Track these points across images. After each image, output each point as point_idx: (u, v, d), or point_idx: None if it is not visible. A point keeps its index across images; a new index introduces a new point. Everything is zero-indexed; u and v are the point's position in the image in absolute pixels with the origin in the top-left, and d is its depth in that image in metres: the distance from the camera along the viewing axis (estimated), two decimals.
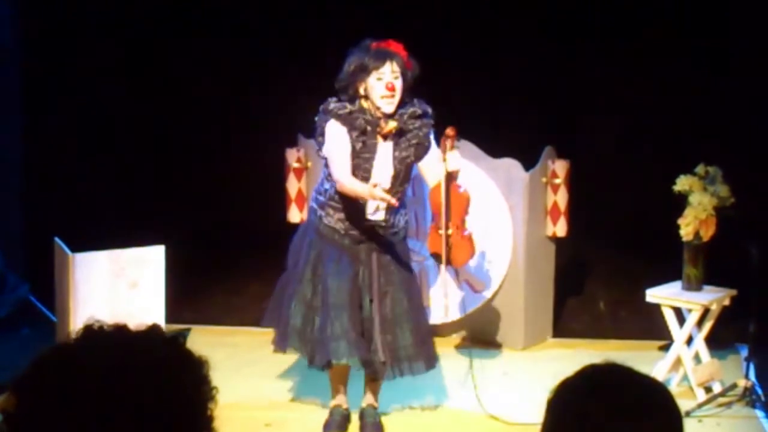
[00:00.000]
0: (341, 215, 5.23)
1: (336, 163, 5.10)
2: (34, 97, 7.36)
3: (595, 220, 6.74)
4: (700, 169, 5.79)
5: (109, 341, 1.68)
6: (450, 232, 5.32)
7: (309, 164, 6.58)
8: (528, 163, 6.47)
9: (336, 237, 5.25)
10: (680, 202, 5.76)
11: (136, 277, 5.64)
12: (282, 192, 6.63)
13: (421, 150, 5.24)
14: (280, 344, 5.41)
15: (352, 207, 5.20)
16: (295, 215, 6.62)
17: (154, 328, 1.71)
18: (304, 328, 5.30)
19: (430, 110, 5.27)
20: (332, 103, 5.17)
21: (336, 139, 5.12)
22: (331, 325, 5.18)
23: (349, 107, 5.14)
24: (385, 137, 5.18)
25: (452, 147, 5.18)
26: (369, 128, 5.14)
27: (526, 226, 6.45)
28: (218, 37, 7.35)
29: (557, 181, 6.47)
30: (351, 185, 5.05)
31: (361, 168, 5.15)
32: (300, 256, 5.37)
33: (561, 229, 6.52)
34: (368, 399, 5.46)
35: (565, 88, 7.08)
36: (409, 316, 5.32)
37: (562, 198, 6.48)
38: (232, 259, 7.25)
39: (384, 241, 5.29)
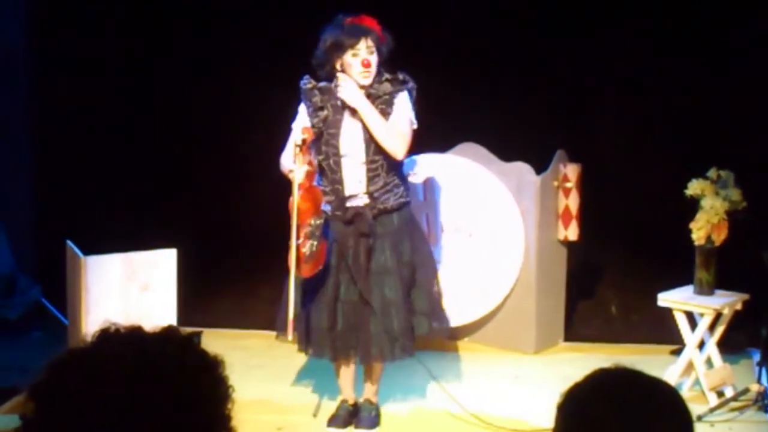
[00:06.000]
0: (328, 198, 5.23)
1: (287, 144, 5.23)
2: (45, 98, 7.38)
3: (606, 224, 6.73)
4: (712, 173, 5.78)
5: (126, 343, 1.68)
6: (300, 242, 5.05)
7: None
8: (539, 167, 6.47)
9: (328, 218, 5.19)
10: (692, 206, 5.76)
11: (148, 280, 5.63)
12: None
13: (386, 113, 5.16)
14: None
15: (333, 189, 5.21)
16: None
17: (169, 330, 1.72)
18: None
19: (408, 79, 5.21)
20: (303, 80, 5.24)
21: (295, 122, 5.24)
22: (316, 317, 5.25)
23: (313, 82, 5.20)
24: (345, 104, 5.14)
25: (301, 154, 5.03)
26: (330, 103, 5.17)
27: (537, 229, 6.45)
28: (227, 38, 7.36)
29: (569, 184, 6.46)
30: (282, 164, 5.20)
31: (329, 143, 5.18)
32: None
33: (572, 232, 6.51)
34: (366, 392, 5.47)
35: (576, 91, 7.07)
36: (399, 305, 5.22)
37: (573, 202, 6.47)
38: (244, 262, 7.26)
39: (372, 224, 5.20)
